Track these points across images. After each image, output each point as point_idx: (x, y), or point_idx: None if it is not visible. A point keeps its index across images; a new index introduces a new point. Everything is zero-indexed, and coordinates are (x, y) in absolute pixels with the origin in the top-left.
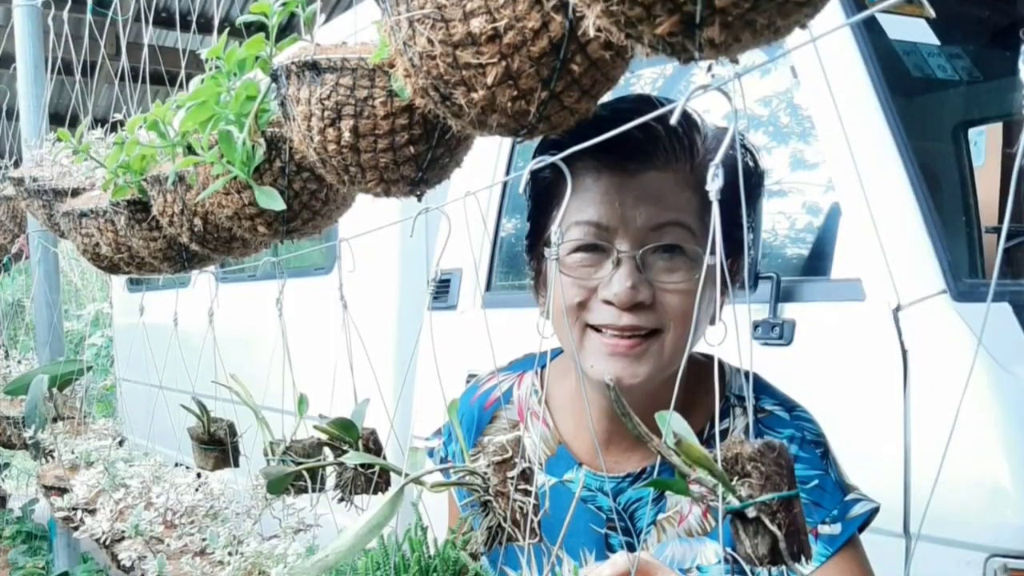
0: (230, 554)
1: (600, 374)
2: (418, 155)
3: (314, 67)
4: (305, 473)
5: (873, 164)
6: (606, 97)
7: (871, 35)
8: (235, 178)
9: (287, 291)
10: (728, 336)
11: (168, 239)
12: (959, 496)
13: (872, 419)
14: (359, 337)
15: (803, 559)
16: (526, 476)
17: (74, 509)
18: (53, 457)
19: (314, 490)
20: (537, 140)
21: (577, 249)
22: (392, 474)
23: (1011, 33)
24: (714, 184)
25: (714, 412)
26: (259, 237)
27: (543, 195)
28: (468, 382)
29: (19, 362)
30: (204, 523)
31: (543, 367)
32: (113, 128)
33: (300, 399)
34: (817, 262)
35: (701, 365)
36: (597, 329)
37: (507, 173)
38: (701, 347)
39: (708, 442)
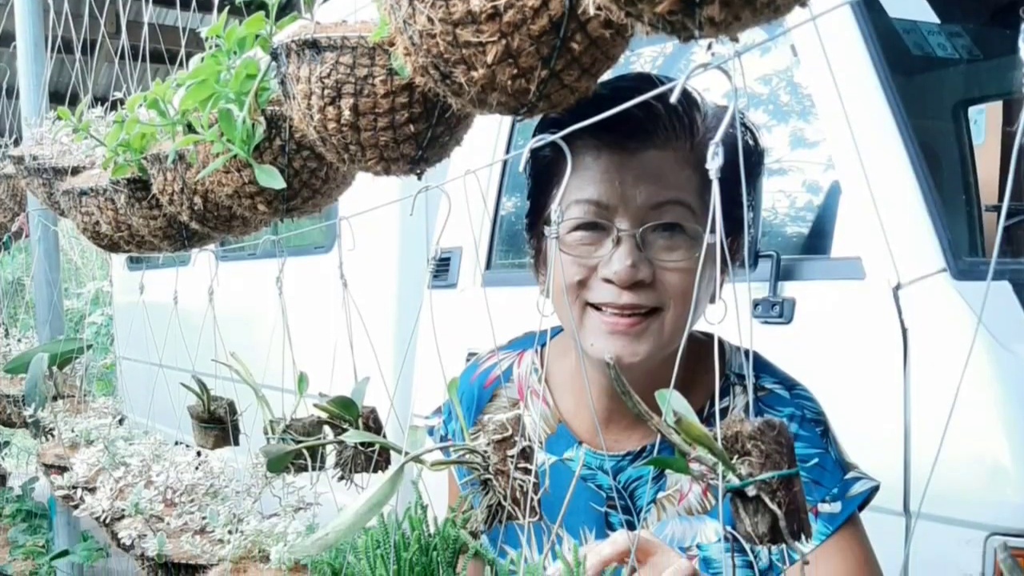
0: (230, 532)
1: (600, 352)
2: (418, 133)
3: (314, 46)
4: (305, 451)
5: (873, 143)
6: (606, 76)
7: (871, 13)
8: (235, 156)
9: (287, 270)
10: (728, 314)
11: (168, 217)
12: (959, 475)
13: (872, 398)
14: (359, 315)
15: (803, 537)
16: (526, 455)
17: (74, 487)
18: (53, 436)
19: (314, 468)
20: (537, 118)
21: (577, 227)
22: (392, 452)
23: (1011, 11)
24: (714, 162)
25: (714, 390)
26: (259, 215)
27: (543, 174)
28: (468, 360)
29: (19, 340)
30: (204, 501)
31: (543, 345)
32: (113, 106)
33: (300, 377)
34: (817, 240)
35: (701, 344)
36: (597, 307)
37: (507, 152)
38: (701, 325)
39: (708, 420)
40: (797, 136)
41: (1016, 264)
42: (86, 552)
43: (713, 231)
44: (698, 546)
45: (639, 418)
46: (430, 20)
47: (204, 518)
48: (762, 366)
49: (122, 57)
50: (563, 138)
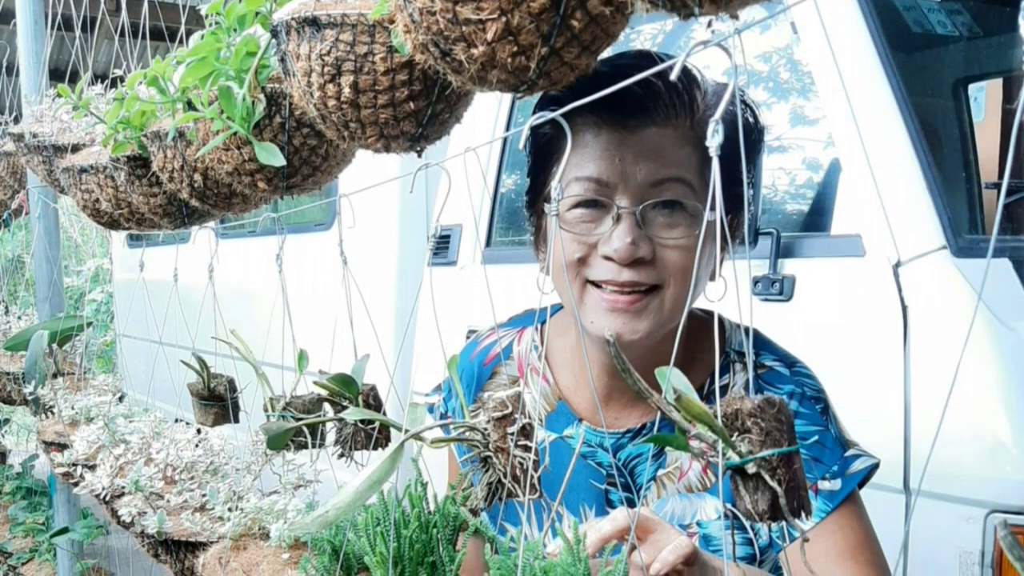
0: (230, 510)
1: (600, 330)
2: (418, 111)
3: (314, 23)
4: (305, 429)
5: (873, 120)
6: (606, 53)
7: None
8: (235, 134)
9: (287, 247)
10: (728, 292)
11: (168, 195)
12: (959, 452)
13: (872, 375)
14: (359, 293)
15: (803, 515)
16: (526, 432)
17: (74, 465)
18: (53, 413)
19: (314, 446)
20: (537, 96)
21: (577, 205)
22: (392, 430)
23: None
24: (714, 140)
25: (714, 368)
26: (259, 193)
27: (543, 151)
28: (468, 338)
29: (19, 318)
30: (204, 479)
31: (543, 323)
32: (113, 84)
33: (300, 355)
34: (817, 218)
35: (701, 321)
36: (597, 285)
37: (507, 129)
38: (701, 303)
39: (708, 398)
40: (797, 113)
41: (1016, 241)
42: (86, 529)
43: (713, 208)
44: (698, 523)
45: (639, 395)
46: None
47: (204, 495)
48: (762, 343)
49: (122, 34)
50: (563, 115)
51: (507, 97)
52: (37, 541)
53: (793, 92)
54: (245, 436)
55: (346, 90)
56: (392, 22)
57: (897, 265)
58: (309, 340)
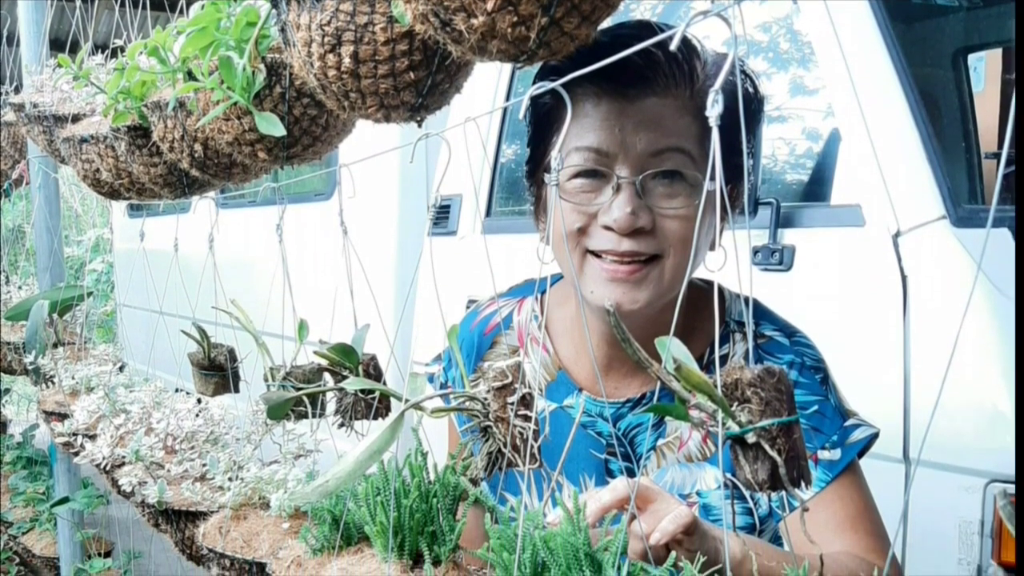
0: (230, 479)
1: (600, 300)
2: (418, 81)
3: None
4: (305, 399)
5: (873, 90)
6: (606, 23)
7: None
8: (235, 104)
9: (287, 217)
10: (728, 262)
11: (168, 165)
12: (959, 421)
13: (872, 345)
14: (359, 263)
15: (803, 484)
16: (526, 401)
17: (74, 435)
18: (53, 383)
19: (314, 416)
20: (537, 66)
21: (577, 175)
22: (392, 400)
23: None
24: (714, 110)
25: (714, 337)
26: (259, 163)
27: (543, 121)
28: (468, 308)
29: (20, 288)
30: (204, 448)
31: (543, 292)
32: (114, 54)
33: (300, 325)
34: (817, 188)
35: (701, 291)
36: (597, 255)
37: (507, 99)
38: (701, 273)
39: (708, 367)
40: (797, 83)
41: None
42: (86, 499)
43: (713, 178)
44: (698, 493)
45: (639, 365)
46: None
47: (204, 465)
48: (762, 313)
49: (122, 4)
50: (563, 85)
51: (507, 67)
52: (37, 511)
53: (793, 62)
54: (245, 406)
55: (346, 60)
56: None
57: (897, 235)
58: (309, 310)
